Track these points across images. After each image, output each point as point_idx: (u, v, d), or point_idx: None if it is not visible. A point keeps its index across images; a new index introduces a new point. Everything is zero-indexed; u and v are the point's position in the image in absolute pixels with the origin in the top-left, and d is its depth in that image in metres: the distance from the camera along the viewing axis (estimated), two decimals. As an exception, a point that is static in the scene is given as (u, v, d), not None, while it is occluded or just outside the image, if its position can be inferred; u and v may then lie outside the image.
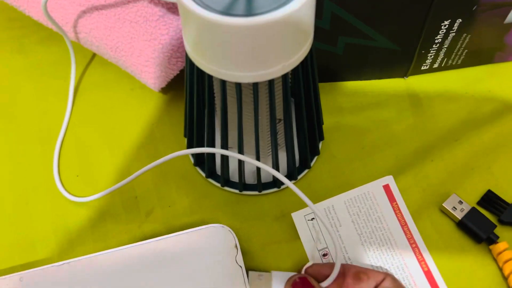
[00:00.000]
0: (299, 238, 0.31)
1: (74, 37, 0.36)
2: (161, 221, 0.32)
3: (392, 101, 0.36)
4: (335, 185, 0.33)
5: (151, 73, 0.33)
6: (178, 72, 0.33)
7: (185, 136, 0.35)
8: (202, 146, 0.32)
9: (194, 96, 0.28)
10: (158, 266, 0.28)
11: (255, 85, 0.25)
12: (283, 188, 0.33)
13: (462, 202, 0.31)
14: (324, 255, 0.30)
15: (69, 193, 0.33)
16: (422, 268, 0.29)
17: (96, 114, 0.37)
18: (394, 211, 0.31)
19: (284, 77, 0.25)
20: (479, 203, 0.31)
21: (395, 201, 0.31)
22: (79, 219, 0.32)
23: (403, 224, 0.30)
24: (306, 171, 0.33)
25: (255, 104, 0.26)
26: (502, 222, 0.31)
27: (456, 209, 0.30)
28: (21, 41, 0.42)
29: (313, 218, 0.31)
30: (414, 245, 0.30)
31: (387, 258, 0.29)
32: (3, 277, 0.28)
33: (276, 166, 0.30)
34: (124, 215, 0.32)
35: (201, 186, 0.33)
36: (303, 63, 0.26)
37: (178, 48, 0.32)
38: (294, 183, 0.33)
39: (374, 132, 0.35)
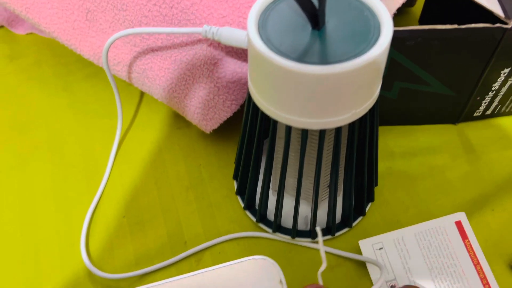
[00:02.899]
0: (359, 282, 0.29)
1: (126, 76, 0.36)
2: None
3: (444, 147, 0.36)
4: (389, 230, 0.31)
5: (204, 114, 0.33)
6: (231, 115, 0.33)
7: (234, 178, 0.34)
8: (255, 189, 0.31)
9: (254, 140, 0.28)
10: None
11: (322, 132, 0.24)
12: (338, 236, 0.31)
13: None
14: (392, 286, 0.28)
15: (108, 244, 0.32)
16: None
17: (143, 154, 0.36)
18: (467, 248, 0.29)
19: (352, 124, 0.25)
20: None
21: (467, 238, 0.30)
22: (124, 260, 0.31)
23: (476, 263, 0.29)
24: (360, 218, 0.32)
25: (319, 150, 0.25)
26: None
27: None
28: (66, 78, 0.42)
29: (381, 248, 0.30)
30: (487, 286, 0.28)
31: (452, 283, 0.28)
32: None
33: (333, 213, 0.29)
34: (175, 262, 0.31)
35: (251, 230, 0.32)
36: (371, 111, 0.25)
37: (233, 91, 0.32)
38: (348, 230, 0.32)
39: (427, 178, 0.34)
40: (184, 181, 0.35)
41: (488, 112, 0.36)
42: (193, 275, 0.27)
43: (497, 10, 0.29)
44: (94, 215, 0.33)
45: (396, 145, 0.36)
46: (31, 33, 0.46)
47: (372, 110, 0.25)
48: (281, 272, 0.27)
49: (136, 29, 0.29)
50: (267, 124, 0.27)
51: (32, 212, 0.34)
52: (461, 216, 0.31)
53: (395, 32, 0.29)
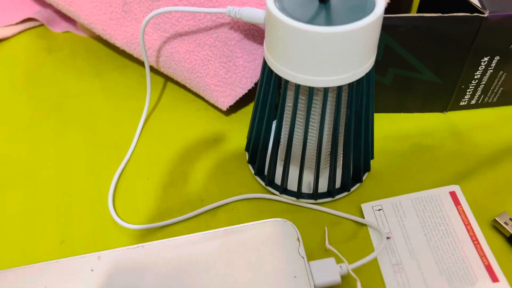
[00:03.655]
0: (358, 238, 0.33)
1: (154, 60, 0.41)
2: (225, 221, 0.34)
3: (433, 131, 0.40)
4: (383, 197, 0.35)
5: (222, 92, 0.38)
6: (246, 92, 0.37)
7: (246, 150, 0.38)
8: (265, 158, 0.36)
9: (267, 107, 0.32)
10: (225, 253, 0.30)
11: (326, 90, 0.29)
12: (338, 198, 0.35)
13: None
14: (388, 237, 0.32)
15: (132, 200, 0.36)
16: (483, 262, 0.31)
17: (166, 130, 0.41)
18: (459, 212, 0.33)
19: (351, 85, 0.29)
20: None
21: (460, 204, 0.34)
22: (146, 216, 0.35)
23: (466, 223, 0.33)
24: (358, 184, 0.36)
25: (322, 110, 0.30)
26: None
27: (507, 224, 0.33)
28: (98, 68, 0.47)
29: (380, 209, 0.33)
30: (476, 242, 0.32)
31: (448, 249, 0.32)
32: (82, 255, 0.30)
33: (333, 176, 0.34)
34: (193, 216, 0.35)
35: (261, 193, 0.36)
36: (367, 75, 0.30)
37: (249, 69, 0.36)
38: (346, 194, 0.36)
39: (418, 155, 0.38)
40: (202, 153, 0.39)
41: (473, 102, 0.41)
42: (219, 231, 0.31)
43: (476, 2, 0.34)
44: (121, 177, 0.38)
45: (389, 129, 0.40)
46: (67, 32, 0.52)
47: (368, 75, 0.30)
48: (298, 232, 0.31)
49: (170, 7, 0.34)
50: (277, 98, 0.32)
51: (66, 175, 0.38)
52: (456, 188, 0.35)
53: (389, 19, 0.34)
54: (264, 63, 0.31)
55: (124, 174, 0.38)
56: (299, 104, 0.31)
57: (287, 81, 0.29)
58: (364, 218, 0.34)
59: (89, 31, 0.51)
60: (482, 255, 0.32)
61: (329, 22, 0.26)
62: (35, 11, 0.52)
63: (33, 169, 0.39)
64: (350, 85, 0.29)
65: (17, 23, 0.52)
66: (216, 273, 0.29)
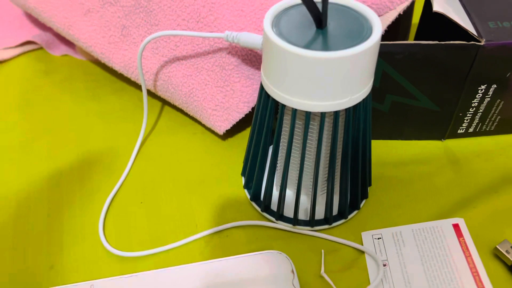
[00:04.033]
0: (354, 267, 0.32)
1: (151, 84, 0.41)
2: (220, 248, 0.34)
3: (431, 158, 0.40)
4: (382, 226, 0.35)
5: (219, 116, 0.37)
6: (243, 116, 0.37)
7: (242, 175, 0.38)
8: (261, 183, 0.35)
9: (263, 132, 0.32)
10: (219, 286, 0.29)
11: (323, 115, 0.29)
12: (334, 226, 0.35)
13: (512, 247, 0.32)
14: (384, 265, 0.32)
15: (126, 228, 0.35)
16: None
17: (162, 154, 0.40)
18: (460, 244, 0.33)
19: (348, 110, 0.29)
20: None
21: (463, 236, 0.33)
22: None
23: (468, 255, 0.32)
24: (355, 212, 0.35)
25: (319, 134, 0.29)
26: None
27: (509, 252, 0.32)
28: (95, 91, 0.47)
29: (380, 238, 0.33)
30: (475, 274, 0.31)
31: (446, 280, 0.31)
32: (75, 284, 0.29)
33: (330, 203, 0.33)
34: (186, 243, 0.34)
35: (257, 219, 0.35)
36: (365, 101, 0.30)
37: (246, 94, 0.36)
38: (344, 222, 0.35)
39: (416, 183, 0.38)
40: (198, 177, 0.38)
41: (471, 130, 0.41)
42: (213, 262, 0.30)
43: (472, 30, 0.34)
44: (114, 201, 0.37)
45: (388, 156, 0.40)
46: (66, 55, 0.52)
47: (365, 101, 0.30)
48: (292, 264, 0.30)
49: (167, 31, 0.34)
50: (274, 123, 0.31)
51: (58, 198, 0.37)
52: (460, 220, 0.34)
53: (386, 46, 0.34)
54: (261, 88, 0.31)
55: (116, 198, 0.37)
56: (295, 129, 0.31)
57: (283, 106, 0.29)
58: (362, 245, 0.33)
59: (88, 55, 0.51)
60: (481, 287, 0.31)
61: (326, 47, 0.26)
62: (34, 34, 0.52)
63: (24, 191, 0.38)
64: (347, 110, 0.29)
65: (16, 46, 0.52)
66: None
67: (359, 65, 0.26)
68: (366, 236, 0.34)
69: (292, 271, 0.30)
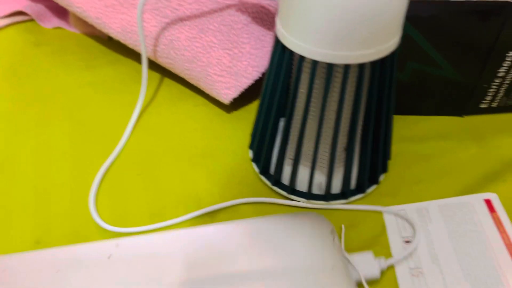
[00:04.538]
0: (377, 245, 0.29)
1: (151, 50, 0.37)
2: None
3: (452, 134, 0.37)
4: (404, 202, 0.32)
5: (225, 82, 0.34)
6: (252, 82, 0.34)
7: (250, 148, 0.35)
8: (271, 155, 0.32)
9: (276, 94, 0.29)
10: (256, 243, 0.26)
11: (346, 69, 0.26)
12: (352, 201, 0.31)
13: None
14: (407, 241, 0.29)
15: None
16: None
17: (161, 126, 0.37)
18: (493, 219, 0.30)
19: (375, 64, 0.26)
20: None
21: (495, 211, 0.30)
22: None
23: (502, 231, 0.29)
24: (374, 186, 0.32)
25: (341, 93, 0.26)
26: None
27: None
28: (89, 63, 0.44)
29: (404, 213, 0.30)
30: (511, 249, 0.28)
31: (478, 257, 0.28)
32: (102, 241, 0.27)
33: (348, 175, 0.30)
34: (188, 219, 0.31)
35: (267, 195, 0.32)
36: (392, 56, 0.27)
37: (256, 57, 0.33)
38: (362, 197, 0.32)
39: (439, 158, 0.35)
40: (200, 150, 0.35)
41: (494, 104, 0.38)
42: (249, 220, 0.27)
43: (504, -12, 0.31)
44: (108, 172, 0.34)
45: (407, 131, 0.37)
46: (57, 28, 0.49)
47: (392, 55, 0.27)
48: (331, 224, 0.27)
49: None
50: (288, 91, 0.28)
51: (46, 170, 0.34)
52: (492, 195, 0.32)
53: (411, 4, 0.31)
54: (276, 42, 0.28)
55: (111, 170, 0.34)
56: (314, 90, 0.27)
57: (302, 60, 0.26)
58: (384, 221, 0.30)
59: (82, 27, 0.48)
60: None
61: (353, -13, 0.23)
62: (25, 4, 0.49)
63: (9, 162, 0.34)
64: (374, 64, 0.26)
65: (5, 16, 0.49)
66: (249, 263, 0.26)
67: (389, 8, 0.23)
68: (388, 211, 0.31)
69: (332, 231, 0.27)
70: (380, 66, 0.27)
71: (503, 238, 0.29)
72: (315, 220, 0.28)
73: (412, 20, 0.32)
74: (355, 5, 0.23)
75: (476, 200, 0.31)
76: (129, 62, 0.44)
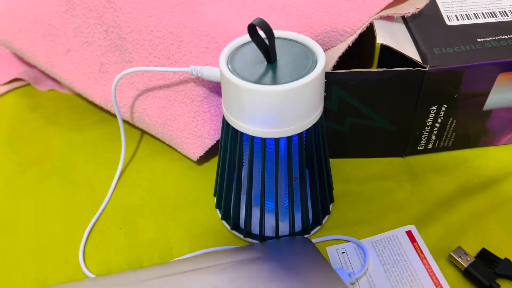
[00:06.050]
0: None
1: (129, 116, 0.43)
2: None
3: (393, 175, 0.42)
4: (345, 241, 0.37)
5: (192, 144, 0.40)
6: (215, 143, 0.40)
7: (214, 195, 0.40)
8: (229, 203, 0.38)
9: (227, 155, 0.35)
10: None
11: (276, 141, 0.31)
12: (299, 242, 0.37)
13: (467, 254, 0.35)
14: (349, 274, 0.35)
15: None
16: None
17: (139, 181, 0.43)
18: (415, 248, 0.36)
19: (300, 135, 0.32)
20: (477, 257, 0.35)
21: (416, 241, 0.36)
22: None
23: (423, 258, 0.35)
24: (318, 227, 0.38)
25: (275, 157, 0.32)
26: (497, 275, 0.34)
27: (462, 258, 0.34)
28: (79, 123, 0.50)
29: (344, 252, 0.36)
30: (431, 273, 0.34)
31: (407, 282, 0.34)
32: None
33: (292, 220, 0.36)
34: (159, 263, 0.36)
35: (227, 239, 0.38)
36: (315, 126, 0.32)
37: (216, 122, 0.39)
38: (307, 237, 0.37)
39: (378, 199, 0.40)
40: (174, 202, 0.41)
41: (429, 146, 0.43)
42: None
43: (416, 56, 0.37)
44: (95, 227, 0.39)
45: (351, 172, 0.43)
46: (52, 90, 0.55)
47: (315, 126, 0.32)
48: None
49: (138, 68, 0.38)
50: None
51: (43, 228, 0.40)
52: (411, 227, 0.37)
53: (340, 74, 0.37)
54: (223, 118, 0.34)
55: (98, 225, 0.40)
56: (255, 153, 0.33)
57: (242, 133, 0.32)
58: (329, 260, 0.36)
59: (72, 90, 0.54)
60: (438, 285, 0.33)
61: (274, 81, 0.29)
62: (22, 70, 0.56)
63: (11, 221, 0.40)
64: (299, 135, 0.32)
65: (5, 83, 0.55)
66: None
67: (305, 95, 0.29)
68: (331, 250, 0.36)
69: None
70: (306, 133, 0.32)
71: (424, 264, 0.35)
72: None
73: (342, 86, 0.38)
74: (275, 102, 0.29)
75: (400, 233, 0.37)
76: (113, 121, 0.50)
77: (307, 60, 0.31)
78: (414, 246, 0.36)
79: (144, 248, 0.38)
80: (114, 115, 0.50)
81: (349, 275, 0.34)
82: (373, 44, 0.50)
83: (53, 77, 0.48)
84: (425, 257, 0.35)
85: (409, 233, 0.37)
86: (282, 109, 0.29)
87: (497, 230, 0.37)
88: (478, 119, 0.41)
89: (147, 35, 0.40)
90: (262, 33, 0.31)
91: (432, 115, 0.40)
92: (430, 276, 0.34)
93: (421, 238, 0.36)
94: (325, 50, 0.38)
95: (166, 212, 0.40)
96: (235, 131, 0.32)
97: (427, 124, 0.41)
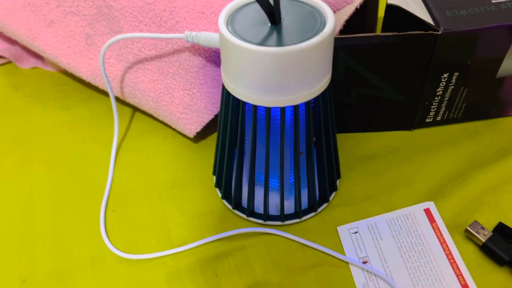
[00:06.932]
0: (326, 263, 0.32)
1: (119, 91, 0.41)
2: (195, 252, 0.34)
3: (401, 149, 0.40)
4: (354, 218, 0.35)
5: (188, 119, 0.37)
6: (213, 117, 0.37)
7: (213, 173, 0.38)
8: (231, 181, 0.35)
9: (228, 129, 0.32)
10: None
11: (282, 110, 0.29)
12: (305, 219, 0.35)
13: (483, 228, 0.33)
14: (364, 262, 0.32)
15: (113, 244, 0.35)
16: (460, 281, 0.31)
17: (133, 161, 0.40)
18: (434, 230, 0.33)
19: (307, 104, 0.29)
20: (494, 231, 0.33)
21: (435, 222, 0.34)
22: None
23: (442, 241, 0.33)
24: (325, 204, 0.36)
25: (281, 129, 0.30)
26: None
27: (479, 233, 0.32)
28: (65, 101, 0.47)
29: (356, 232, 0.34)
30: (452, 260, 0.32)
31: (425, 270, 0.31)
32: None
33: (298, 197, 0.33)
34: (156, 247, 0.34)
35: (229, 219, 0.35)
36: (324, 95, 0.30)
37: (213, 95, 0.36)
38: (314, 215, 0.35)
39: (386, 174, 0.38)
40: (170, 183, 0.38)
41: (438, 118, 0.41)
42: None
43: (429, 20, 0.35)
44: (90, 210, 0.37)
45: (358, 148, 0.40)
46: (35, 67, 0.52)
47: (324, 94, 0.30)
48: None
49: (127, 34, 0.35)
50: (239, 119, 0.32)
51: (30, 208, 0.37)
52: (430, 204, 0.35)
53: (346, 40, 0.34)
54: (223, 87, 0.31)
55: (90, 207, 0.37)
56: (258, 125, 0.31)
57: (244, 103, 0.29)
58: (340, 241, 0.33)
59: (57, 66, 0.51)
60: (459, 274, 0.31)
61: (279, 42, 0.26)
62: (2, 47, 0.52)
63: (-4, 205, 0.38)
64: (307, 104, 0.29)
65: (-16, 61, 0.52)
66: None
67: (313, 58, 0.27)
68: (342, 230, 0.34)
69: None
70: (313, 103, 0.30)
71: (443, 249, 0.32)
72: None
73: (349, 52, 0.35)
74: (280, 66, 0.26)
75: (417, 210, 0.35)
76: (102, 98, 0.47)
77: (314, 21, 0.28)
78: (432, 227, 0.34)
79: (140, 233, 0.35)
80: (102, 92, 0.47)
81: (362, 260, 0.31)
82: (375, 12, 0.47)
83: (36, 51, 0.44)
84: (444, 241, 0.33)
85: (427, 211, 0.35)
86: (289, 74, 0.27)
87: (514, 203, 0.35)
88: (491, 88, 0.39)
89: (137, 1, 0.37)
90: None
91: (443, 84, 0.38)
92: (450, 263, 0.32)
93: (440, 217, 0.34)
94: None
95: (162, 193, 0.38)
96: (237, 101, 0.30)
97: (437, 93, 0.39)
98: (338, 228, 0.34)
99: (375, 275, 0.31)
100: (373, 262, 0.32)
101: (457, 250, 0.32)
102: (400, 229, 0.34)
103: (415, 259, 0.32)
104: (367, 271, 0.31)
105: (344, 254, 0.33)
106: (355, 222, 0.35)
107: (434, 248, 0.33)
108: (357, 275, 0.31)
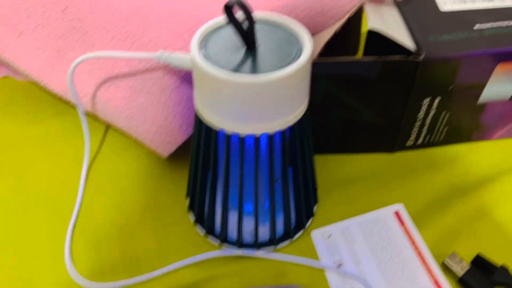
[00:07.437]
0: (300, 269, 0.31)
1: (90, 108, 0.39)
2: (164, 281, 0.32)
3: (381, 172, 0.39)
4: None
5: (162, 140, 0.36)
6: (187, 138, 0.36)
7: (187, 196, 0.37)
8: (204, 205, 0.34)
9: (200, 155, 0.31)
10: None
11: (257, 139, 0.28)
12: (281, 247, 0.34)
13: (461, 261, 0.32)
14: (339, 264, 0.32)
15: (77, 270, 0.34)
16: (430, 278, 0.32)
17: (104, 182, 0.39)
18: (404, 231, 0.34)
19: (283, 133, 0.28)
20: (472, 263, 0.33)
21: (404, 223, 0.34)
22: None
23: (412, 242, 0.33)
24: (301, 231, 0.34)
25: (255, 157, 0.28)
26: (493, 284, 0.31)
27: (457, 266, 0.32)
28: (37, 114, 0.45)
29: (330, 235, 0.34)
30: (421, 258, 0.32)
31: (397, 270, 0.32)
32: None
33: (273, 225, 0.32)
34: (124, 274, 0.32)
35: (200, 246, 0.34)
36: (301, 121, 0.29)
37: (188, 116, 0.35)
38: (290, 242, 0.34)
39: (365, 198, 0.37)
40: (141, 205, 0.37)
41: (419, 141, 0.40)
42: None
43: (411, 44, 0.34)
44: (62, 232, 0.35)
45: (337, 170, 0.39)
46: (6, 77, 0.50)
47: (300, 122, 0.29)
48: None
49: (97, 52, 0.33)
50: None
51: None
52: (399, 206, 0.35)
53: (326, 65, 0.33)
54: (195, 112, 0.30)
55: (56, 231, 0.35)
56: (232, 152, 0.29)
57: (217, 131, 0.28)
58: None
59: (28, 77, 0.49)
60: (429, 271, 0.32)
61: (254, 70, 0.25)
62: (-28, 56, 0.50)
63: (-44, 227, 0.36)
64: (282, 132, 0.28)
65: (-47, 69, 0.50)
66: None
67: (289, 87, 0.26)
68: (316, 234, 0.34)
69: None
70: (290, 130, 0.29)
71: (413, 248, 0.33)
72: None
73: (329, 78, 0.34)
74: (254, 94, 0.25)
75: (387, 213, 0.35)
76: (75, 113, 0.45)
77: (290, 46, 0.27)
78: (403, 229, 0.34)
79: (107, 260, 0.33)
80: (75, 107, 0.46)
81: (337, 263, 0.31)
82: (358, 31, 0.46)
83: (6, 64, 0.42)
84: (414, 241, 0.33)
85: (397, 214, 0.35)
86: (264, 102, 0.25)
87: (492, 232, 0.35)
88: (472, 112, 0.39)
89: (110, 15, 0.35)
90: (240, 15, 0.27)
91: (424, 109, 0.37)
92: (422, 261, 0.32)
93: (410, 219, 0.35)
94: (309, 36, 0.34)
95: (132, 216, 0.36)
96: (209, 128, 0.28)
97: (419, 118, 0.38)
98: (312, 232, 0.34)
99: (350, 277, 0.31)
100: (347, 265, 0.32)
101: (428, 248, 0.33)
102: (372, 232, 0.34)
103: (387, 260, 0.32)
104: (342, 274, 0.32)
105: (318, 259, 0.32)
106: (328, 226, 0.35)
107: (405, 249, 0.33)
108: (332, 279, 0.31)
